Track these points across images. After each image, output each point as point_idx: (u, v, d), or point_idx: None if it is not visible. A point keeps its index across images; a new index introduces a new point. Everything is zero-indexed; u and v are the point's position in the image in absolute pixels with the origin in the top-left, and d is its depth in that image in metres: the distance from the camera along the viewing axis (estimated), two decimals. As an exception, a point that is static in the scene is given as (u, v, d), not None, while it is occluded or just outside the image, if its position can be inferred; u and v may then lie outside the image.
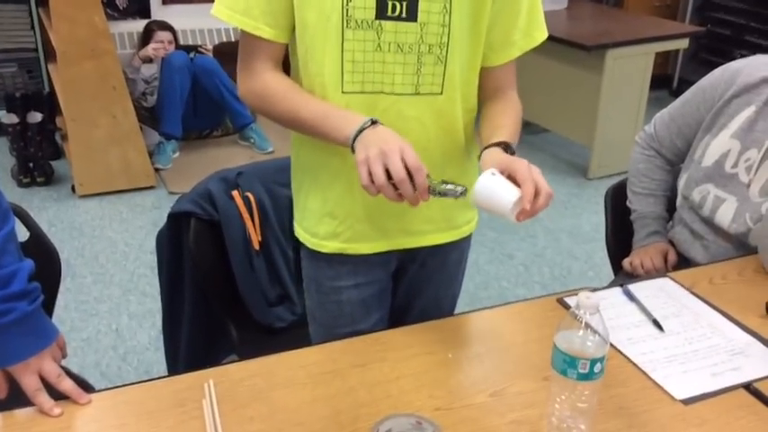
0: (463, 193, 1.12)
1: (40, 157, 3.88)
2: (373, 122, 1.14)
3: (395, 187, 1.09)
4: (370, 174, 1.08)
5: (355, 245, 1.35)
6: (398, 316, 1.51)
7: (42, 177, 3.88)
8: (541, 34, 1.33)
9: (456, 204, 1.39)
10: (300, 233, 1.40)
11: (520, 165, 1.11)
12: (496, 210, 1.12)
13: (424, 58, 1.21)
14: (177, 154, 4.20)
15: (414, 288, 1.48)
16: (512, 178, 1.12)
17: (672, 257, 1.81)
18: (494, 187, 1.11)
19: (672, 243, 1.84)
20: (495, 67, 1.32)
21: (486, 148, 1.21)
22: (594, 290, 1.45)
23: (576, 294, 1.40)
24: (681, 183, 1.79)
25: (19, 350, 1.08)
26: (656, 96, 4.75)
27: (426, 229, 1.38)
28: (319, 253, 1.37)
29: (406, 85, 1.23)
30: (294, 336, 1.83)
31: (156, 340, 2.62)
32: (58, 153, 4.17)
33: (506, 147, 1.20)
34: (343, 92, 1.22)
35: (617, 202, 1.98)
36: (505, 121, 1.29)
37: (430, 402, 1.13)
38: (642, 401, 1.14)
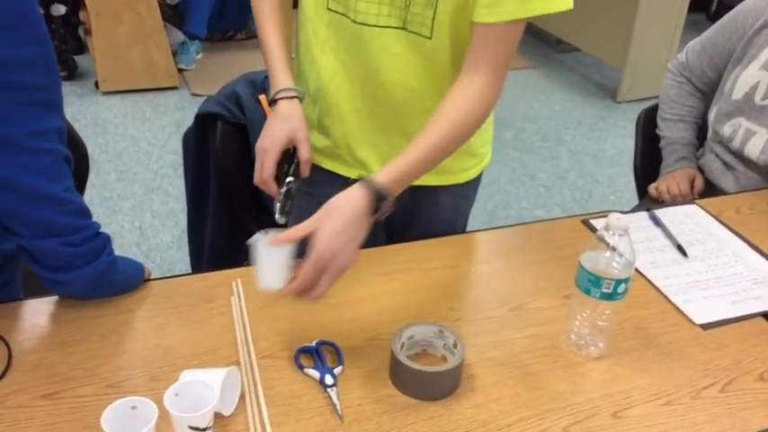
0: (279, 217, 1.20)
1: (64, 51, 3.84)
2: (274, 101, 1.20)
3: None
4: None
5: (334, 163, 1.35)
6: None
7: (65, 71, 3.85)
8: (544, 3, 1.07)
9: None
10: None
11: (314, 249, 0.96)
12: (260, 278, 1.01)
13: None
14: (200, 55, 4.14)
15: (406, 221, 1.43)
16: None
17: (699, 184, 1.79)
18: (264, 262, 0.99)
19: (701, 170, 1.82)
20: (480, 28, 1.10)
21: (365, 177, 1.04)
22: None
23: (602, 217, 1.40)
24: (711, 116, 1.77)
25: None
26: (694, 20, 4.59)
27: None
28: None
29: (393, 17, 1.15)
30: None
31: (178, 240, 2.67)
32: (81, 48, 4.13)
33: (378, 194, 1.01)
34: (328, 8, 1.20)
35: (648, 127, 1.95)
36: (425, 138, 1.08)
37: (450, 314, 1.15)
38: (661, 324, 1.15)
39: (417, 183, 1.33)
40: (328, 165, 1.35)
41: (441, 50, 1.19)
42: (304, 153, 1.20)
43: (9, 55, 0.88)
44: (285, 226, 1.16)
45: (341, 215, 0.98)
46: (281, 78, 1.23)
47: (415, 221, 1.43)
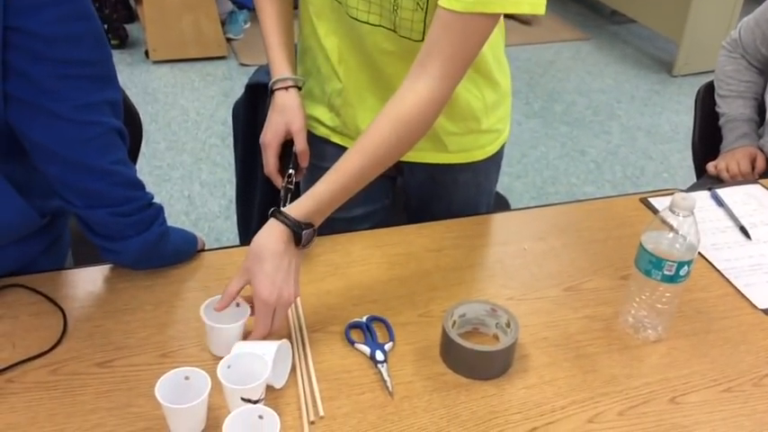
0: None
1: (115, 20, 3.88)
2: (272, 92, 1.20)
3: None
4: None
5: (344, 138, 1.32)
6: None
7: (116, 40, 3.89)
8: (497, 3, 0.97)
9: (454, 130, 1.28)
10: None
11: (257, 299, 0.95)
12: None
13: (400, 1, 1.08)
14: (248, 24, 4.14)
15: (426, 198, 1.41)
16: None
17: (760, 163, 1.73)
18: (213, 339, 0.98)
19: (762, 151, 1.75)
20: (441, 17, 0.99)
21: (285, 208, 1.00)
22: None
23: (661, 195, 1.36)
24: None
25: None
26: (757, -10, 4.42)
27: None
28: (311, 134, 1.33)
29: (384, 18, 1.12)
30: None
31: (226, 209, 2.69)
32: (132, 17, 4.17)
33: (295, 226, 0.98)
34: None
35: (708, 102, 1.88)
36: (347, 164, 1.02)
37: (502, 292, 1.13)
38: (722, 308, 1.11)
39: (432, 161, 1.32)
40: (338, 139, 1.33)
41: None
42: (299, 145, 1.21)
43: (55, 31, 0.88)
44: None
45: (266, 257, 0.95)
46: (278, 67, 1.22)
47: (435, 199, 1.40)
